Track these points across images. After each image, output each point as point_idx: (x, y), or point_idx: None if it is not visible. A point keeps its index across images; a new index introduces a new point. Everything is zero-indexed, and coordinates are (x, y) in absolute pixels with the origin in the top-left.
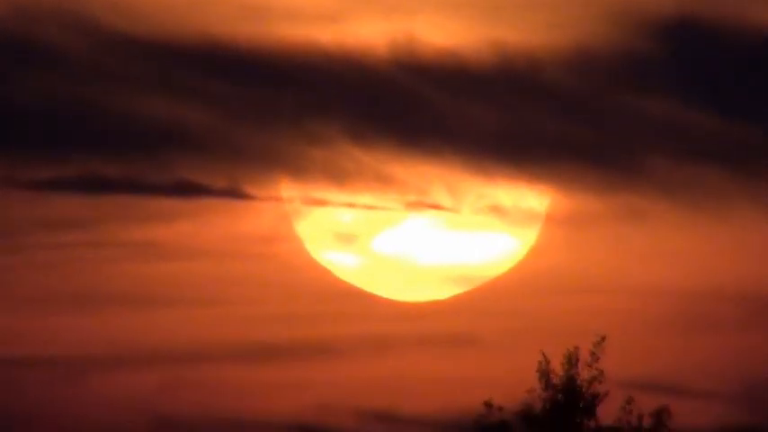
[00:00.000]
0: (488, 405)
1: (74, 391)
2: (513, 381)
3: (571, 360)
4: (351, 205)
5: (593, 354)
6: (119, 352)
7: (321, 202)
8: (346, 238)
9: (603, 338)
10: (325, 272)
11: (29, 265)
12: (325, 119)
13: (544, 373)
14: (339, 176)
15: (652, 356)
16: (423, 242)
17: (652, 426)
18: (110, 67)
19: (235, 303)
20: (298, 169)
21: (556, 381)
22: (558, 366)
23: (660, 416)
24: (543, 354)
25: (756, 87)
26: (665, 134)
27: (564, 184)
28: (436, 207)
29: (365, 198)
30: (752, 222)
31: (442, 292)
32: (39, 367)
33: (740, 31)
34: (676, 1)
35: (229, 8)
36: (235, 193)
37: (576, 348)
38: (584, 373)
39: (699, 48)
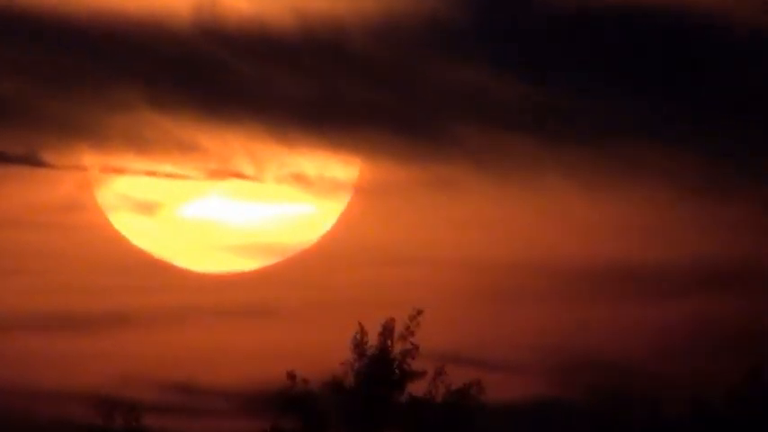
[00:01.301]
0: (292, 376)
1: None
2: (319, 354)
3: (386, 332)
4: (152, 173)
5: (407, 327)
6: None
7: (121, 171)
8: (147, 207)
9: (420, 312)
10: (125, 241)
11: None
12: (125, 85)
13: (359, 345)
14: (139, 144)
15: (463, 329)
16: (225, 211)
17: (461, 398)
18: None
19: (32, 273)
20: (97, 137)
21: (369, 353)
22: (371, 339)
23: (470, 389)
24: (360, 324)
25: (564, 54)
26: (474, 103)
27: (371, 153)
28: (239, 176)
29: (166, 166)
30: (561, 192)
31: (245, 263)
32: None
33: None
34: None
35: None
36: (32, 161)
37: (392, 320)
38: (398, 346)
39: (507, 15)
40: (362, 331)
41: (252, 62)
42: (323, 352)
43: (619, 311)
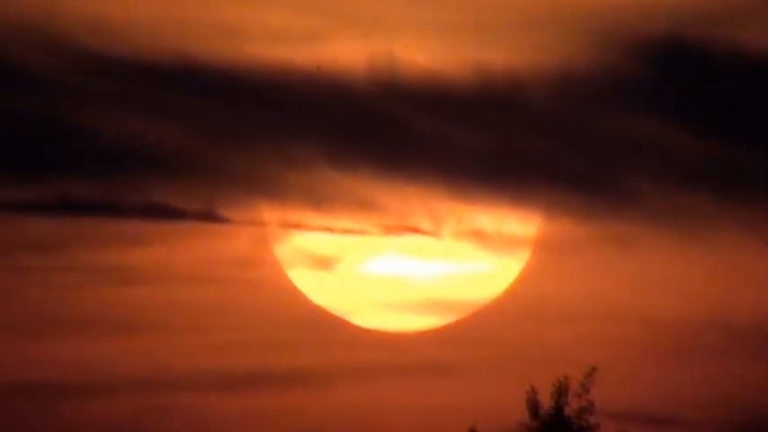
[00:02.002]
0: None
1: (44, 419)
2: (497, 411)
3: (561, 390)
4: (329, 229)
5: (583, 384)
6: (91, 379)
7: (299, 226)
8: (324, 263)
9: (594, 369)
10: (303, 297)
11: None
12: (303, 141)
13: (532, 404)
14: (317, 200)
15: (641, 386)
16: (402, 268)
17: None
18: (84, 88)
19: (210, 330)
20: (275, 192)
21: (543, 412)
22: (546, 397)
23: None
24: (531, 385)
25: (744, 111)
26: (652, 158)
27: (548, 209)
28: (416, 231)
29: (344, 222)
30: (741, 249)
31: (422, 320)
32: (8, 394)
33: (728, 53)
34: (663, 22)
35: (207, 28)
36: (210, 217)
37: (566, 378)
38: (573, 404)
39: (686, 70)
40: (533, 391)
41: (428, 117)
42: (501, 408)
43: None
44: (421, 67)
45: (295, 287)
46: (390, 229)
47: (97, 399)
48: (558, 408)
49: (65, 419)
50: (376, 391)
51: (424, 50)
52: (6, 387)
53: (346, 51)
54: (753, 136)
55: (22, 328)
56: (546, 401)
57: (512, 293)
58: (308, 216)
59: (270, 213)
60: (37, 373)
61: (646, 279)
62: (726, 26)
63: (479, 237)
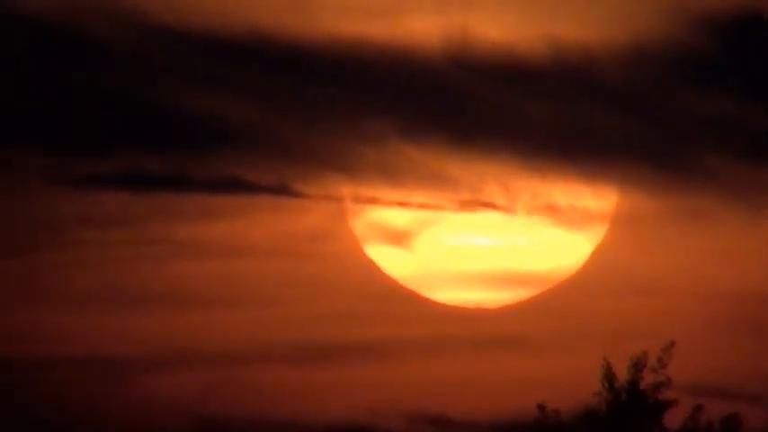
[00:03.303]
0: (542, 408)
1: (117, 392)
2: (570, 384)
3: (638, 364)
4: (403, 204)
5: (660, 359)
6: (164, 352)
7: (373, 201)
8: (399, 237)
9: (673, 343)
10: (377, 271)
11: (73, 263)
12: (376, 116)
13: (608, 377)
14: (391, 174)
15: (718, 361)
16: (477, 242)
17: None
18: (156, 62)
19: (284, 303)
20: (349, 167)
21: (618, 385)
22: (621, 370)
23: (729, 423)
24: (605, 359)
25: None
26: (726, 133)
27: (622, 183)
28: (490, 206)
29: (418, 197)
30: None
31: (496, 294)
32: (79, 367)
33: None
34: None
35: (279, 2)
36: (284, 191)
37: (644, 353)
38: (649, 378)
39: (759, 45)
40: (608, 365)
41: (502, 91)
42: (573, 383)
43: None
44: (494, 42)
45: (370, 261)
46: (465, 204)
47: (171, 373)
48: (634, 382)
49: (137, 393)
50: (450, 364)
51: (497, 25)
52: (78, 361)
53: (420, 25)
54: None
55: (94, 302)
56: (621, 375)
57: (586, 268)
58: (383, 191)
59: (344, 188)
60: (109, 347)
61: (720, 253)
62: None
63: (554, 211)
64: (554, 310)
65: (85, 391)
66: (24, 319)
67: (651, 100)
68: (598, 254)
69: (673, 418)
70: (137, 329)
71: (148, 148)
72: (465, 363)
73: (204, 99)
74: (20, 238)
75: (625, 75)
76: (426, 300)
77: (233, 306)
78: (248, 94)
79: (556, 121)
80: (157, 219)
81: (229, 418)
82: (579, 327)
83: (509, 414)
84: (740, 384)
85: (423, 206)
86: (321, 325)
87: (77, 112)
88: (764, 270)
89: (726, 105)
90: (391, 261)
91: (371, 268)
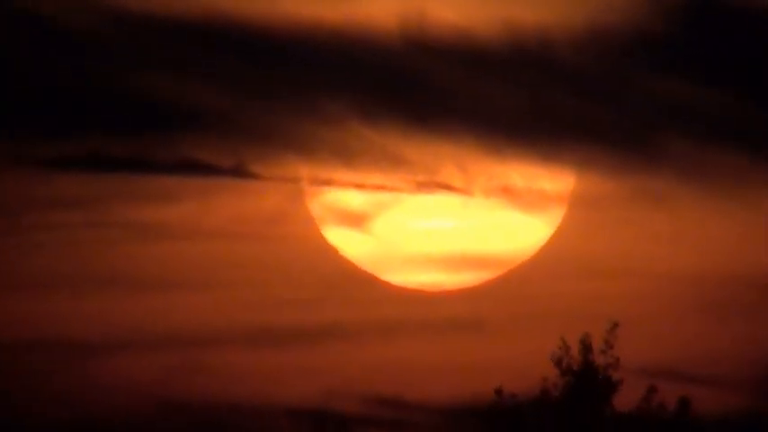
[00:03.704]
0: (499, 392)
1: (76, 376)
2: (526, 368)
3: (585, 346)
4: (360, 186)
5: (606, 341)
6: (122, 335)
7: (329, 182)
8: (355, 219)
9: (616, 325)
10: (334, 254)
11: (30, 245)
12: (334, 98)
13: (561, 359)
14: (348, 156)
15: (669, 342)
16: (433, 224)
17: (674, 415)
18: (114, 44)
19: (241, 286)
20: (306, 148)
21: (573, 367)
22: (574, 353)
23: (682, 405)
24: (563, 339)
25: None
26: (683, 115)
27: (579, 165)
28: (447, 188)
29: (374, 178)
30: None
31: (452, 277)
32: (40, 350)
33: (759, 8)
34: None
35: None
36: (242, 173)
37: (588, 335)
38: (599, 360)
39: (717, 27)
40: (565, 346)
41: (459, 73)
42: (530, 365)
43: None
44: (451, 24)
45: (328, 243)
46: (421, 186)
47: (128, 355)
48: (586, 363)
49: (95, 377)
50: (406, 347)
51: (454, 8)
52: (36, 344)
53: (377, 8)
54: None
55: (51, 285)
56: (574, 358)
57: (544, 251)
58: (340, 172)
59: (301, 169)
60: (66, 329)
61: (678, 235)
62: None
63: (511, 194)
64: (511, 293)
65: (42, 376)
66: None
67: (608, 82)
68: (555, 236)
69: (627, 400)
70: (93, 313)
71: (107, 131)
72: (422, 346)
73: (162, 81)
74: None
75: (582, 57)
76: (383, 282)
77: (192, 288)
78: (208, 78)
79: (513, 104)
80: (114, 200)
81: (188, 402)
82: (536, 309)
83: (466, 397)
84: (694, 366)
85: (380, 188)
86: (279, 308)
87: (36, 95)
88: (721, 253)
89: (683, 88)
90: (348, 243)
91: (329, 250)
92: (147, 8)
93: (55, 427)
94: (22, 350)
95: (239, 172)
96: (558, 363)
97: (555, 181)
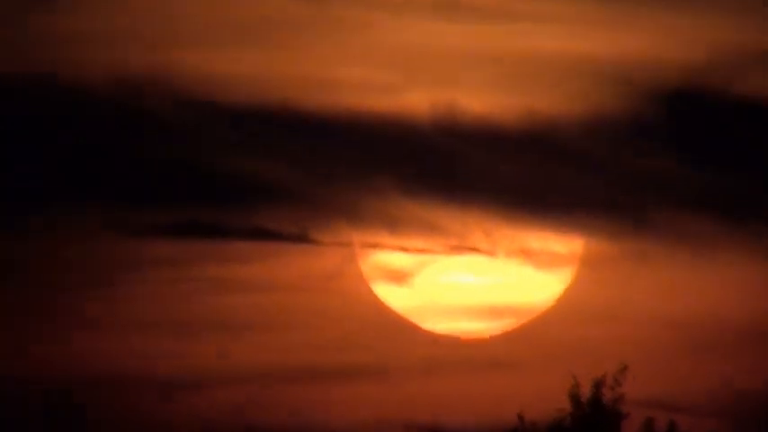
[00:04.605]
0: (521, 417)
1: (167, 407)
2: (544, 400)
3: (599, 384)
4: (403, 248)
5: (615, 379)
6: (205, 373)
7: (377, 246)
8: (400, 277)
9: (626, 367)
10: (382, 305)
11: (128, 297)
12: (380, 175)
13: (574, 395)
14: (392, 223)
15: (668, 379)
16: (464, 282)
17: None
18: (202, 130)
19: (303, 331)
20: (357, 218)
21: (583, 400)
22: (586, 388)
23: (670, 429)
24: (574, 377)
25: (740, 148)
26: (668, 187)
27: (586, 230)
28: (475, 250)
29: (415, 242)
30: (742, 264)
31: (481, 325)
32: (136, 386)
33: (729, 99)
34: (676, 75)
35: (305, 80)
36: (304, 239)
37: (604, 375)
38: (608, 395)
39: (697, 113)
40: (577, 383)
41: (484, 154)
42: (547, 399)
43: None
44: (477, 112)
45: (376, 297)
46: (454, 249)
47: (207, 391)
48: (596, 398)
49: (183, 408)
50: (442, 383)
51: (479, 98)
52: (133, 380)
53: (415, 100)
54: (748, 169)
55: (145, 330)
56: (586, 392)
57: (558, 302)
58: (386, 237)
59: (353, 235)
60: (158, 368)
61: (667, 288)
62: (725, 77)
63: (529, 255)
64: (530, 338)
65: (139, 408)
66: (85, 344)
67: (607, 160)
68: (567, 290)
69: (629, 429)
70: (181, 353)
71: (193, 203)
72: (455, 382)
73: (242, 162)
74: (92, 277)
75: (586, 140)
76: (423, 329)
77: (261, 332)
78: (278, 157)
79: (529, 179)
80: (200, 261)
81: (260, 429)
82: (552, 352)
83: (493, 424)
84: (686, 399)
85: (419, 250)
86: (335, 350)
87: (141, 176)
88: (703, 302)
89: (668, 164)
90: (393, 296)
91: (377, 303)
92: (232, 100)
93: None
94: (120, 385)
95: (302, 238)
96: (571, 397)
97: (566, 243)
